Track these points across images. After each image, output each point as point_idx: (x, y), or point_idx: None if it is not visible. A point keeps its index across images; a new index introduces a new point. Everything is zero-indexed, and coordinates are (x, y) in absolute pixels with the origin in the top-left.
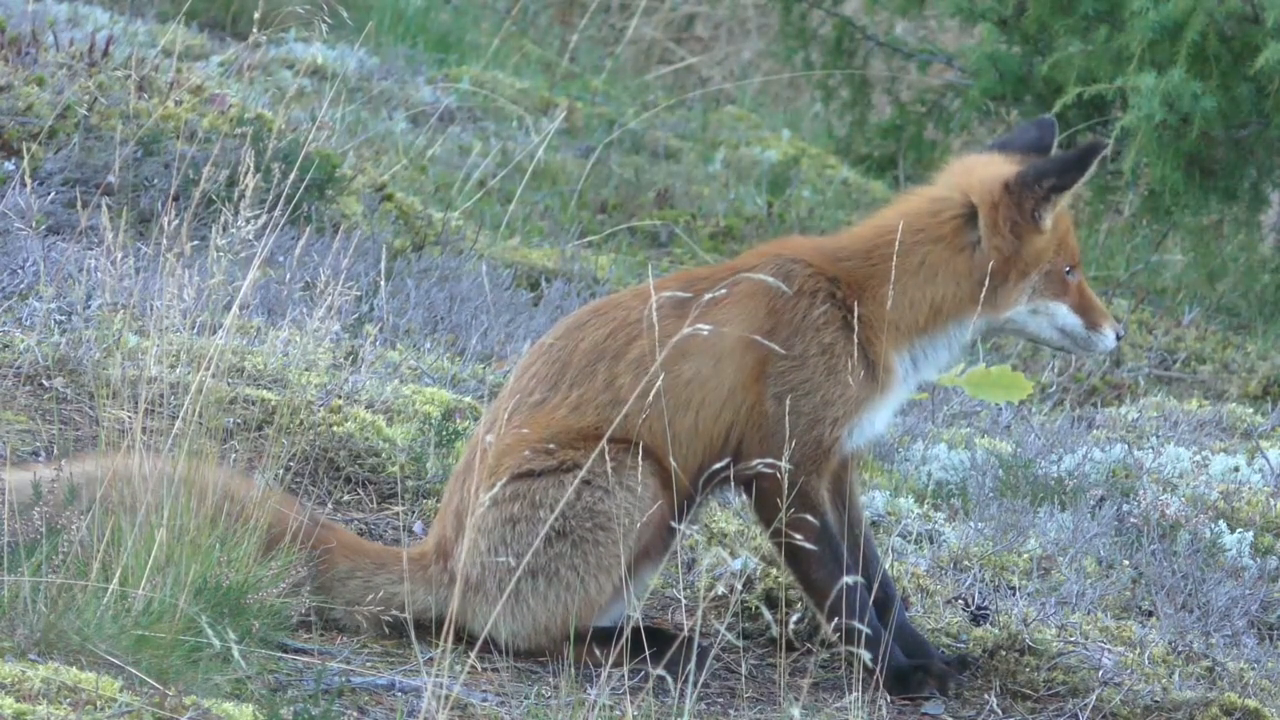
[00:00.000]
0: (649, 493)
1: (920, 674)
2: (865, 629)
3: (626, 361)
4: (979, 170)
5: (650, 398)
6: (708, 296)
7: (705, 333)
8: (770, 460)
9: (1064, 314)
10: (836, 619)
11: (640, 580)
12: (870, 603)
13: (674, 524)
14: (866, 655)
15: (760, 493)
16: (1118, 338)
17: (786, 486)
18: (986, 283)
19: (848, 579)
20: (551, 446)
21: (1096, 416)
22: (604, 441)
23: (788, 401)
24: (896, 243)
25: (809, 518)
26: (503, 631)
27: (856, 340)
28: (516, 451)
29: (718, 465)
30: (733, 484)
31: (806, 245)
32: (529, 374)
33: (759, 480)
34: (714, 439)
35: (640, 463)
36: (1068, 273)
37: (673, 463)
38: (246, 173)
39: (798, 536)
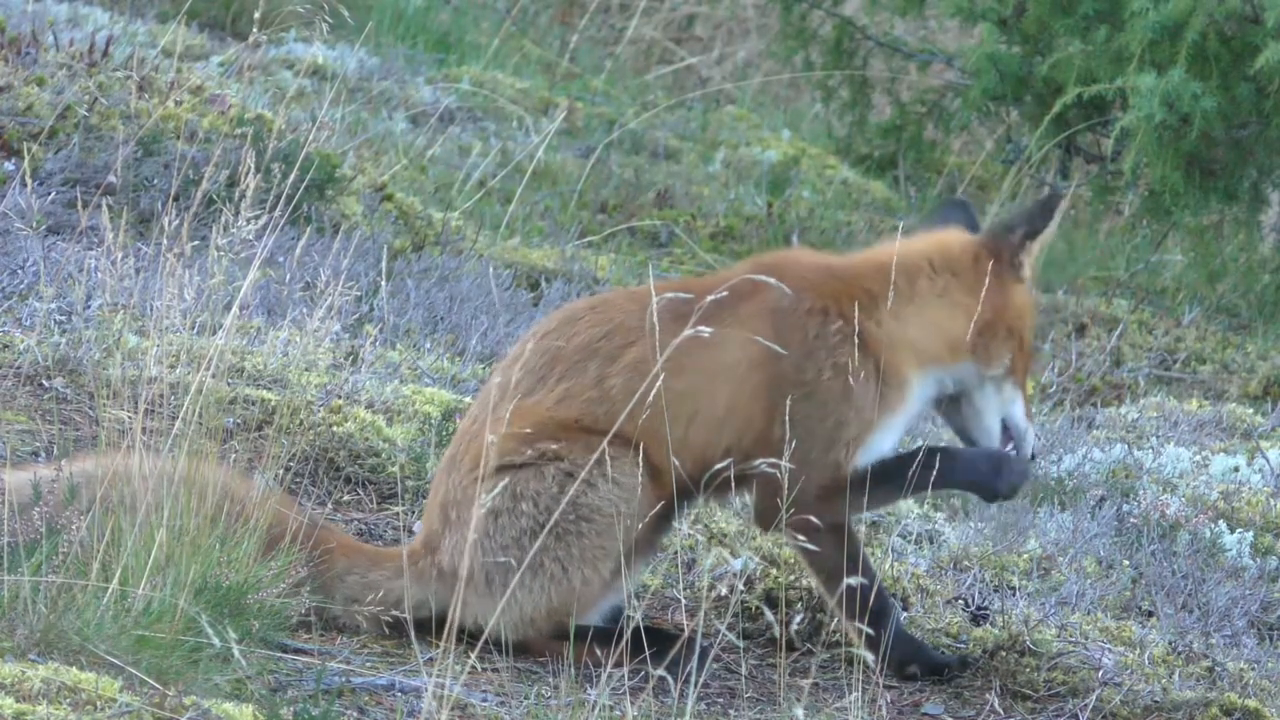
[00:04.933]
0: (635, 485)
1: (914, 670)
2: (867, 629)
3: (620, 364)
4: (957, 233)
5: (639, 400)
6: (709, 302)
7: (704, 342)
8: (772, 460)
9: (1015, 399)
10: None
11: (632, 575)
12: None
13: (671, 522)
14: (870, 656)
15: (762, 511)
16: (1033, 456)
17: (798, 501)
18: (980, 334)
19: (850, 580)
20: (532, 435)
21: (1096, 416)
22: (598, 437)
23: (800, 428)
24: (919, 266)
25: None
26: (491, 623)
27: (873, 358)
28: (500, 444)
29: (719, 465)
30: (734, 488)
31: (806, 263)
32: (518, 365)
33: (761, 493)
34: (707, 454)
35: (626, 456)
36: (1025, 365)
37: (674, 461)
38: (247, 173)
39: (801, 536)
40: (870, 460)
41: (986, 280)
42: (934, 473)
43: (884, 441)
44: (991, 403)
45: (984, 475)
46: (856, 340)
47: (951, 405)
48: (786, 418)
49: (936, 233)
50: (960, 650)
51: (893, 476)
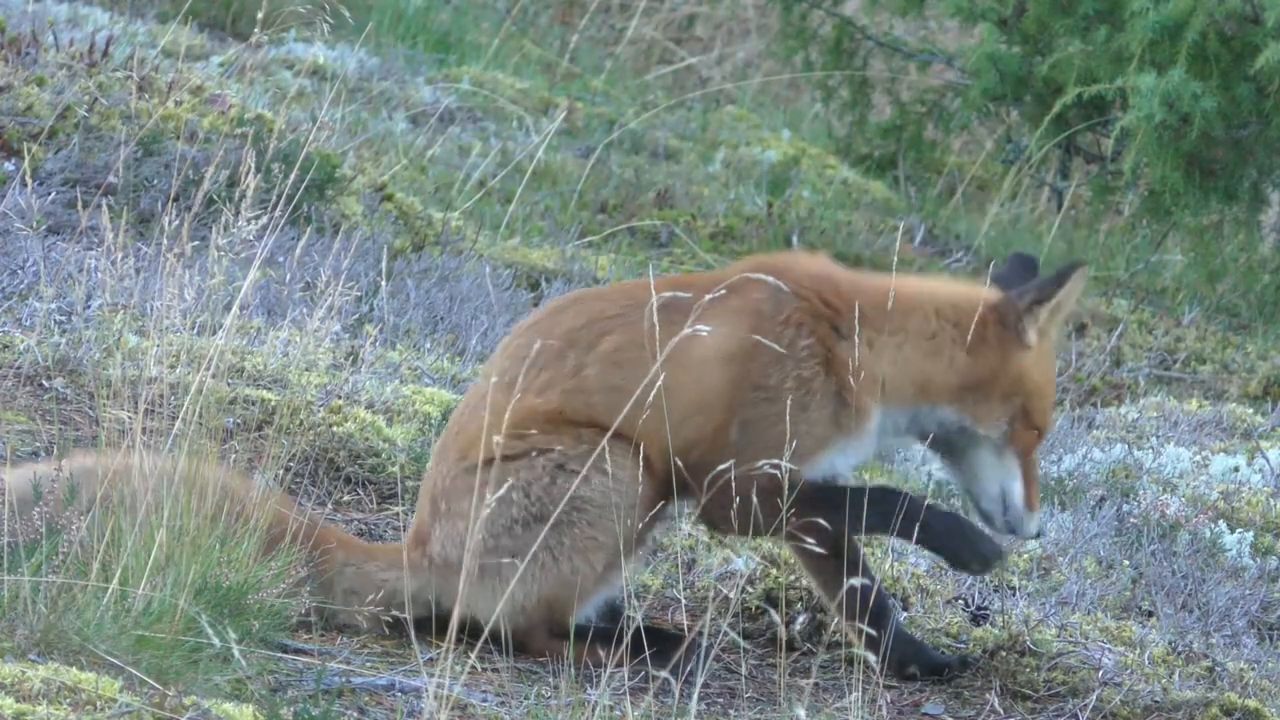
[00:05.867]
0: (625, 476)
1: (914, 670)
2: (869, 630)
3: (596, 353)
4: (980, 291)
5: (623, 393)
6: (694, 294)
7: (686, 339)
8: (775, 461)
9: (1015, 475)
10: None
11: (627, 569)
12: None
13: (662, 514)
14: (871, 657)
15: (708, 510)
16: (1038, 533)
17: (741, 497)
18: (970, 390)
19: (853, 581)
20: (519, 425)
21: (1096, 416)
22: (586, 429)
23: (756, 429)
24: (920, 305)
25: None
26: (483, 612)
27: (836, 378)
28: (489, 435)
29: (722, 466)
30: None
31: (808, 270)
32: (505, 355)
33: (719, 494)
34: (674, 447)
35: (616, 447)
36: (1036, 436)
37: (675, 461)
38: (247, 173)
39: (809, 539)
40: (823, 475)
41: (987, 338)
42: (915, 527)
43: (839, 461)
44: (990, 467)
45: (957, 547)
46: (823, 358)
47: (951, 457)
48: (743, 418)
49: (972, 285)
50: (960, 650)
51: (868, 510)
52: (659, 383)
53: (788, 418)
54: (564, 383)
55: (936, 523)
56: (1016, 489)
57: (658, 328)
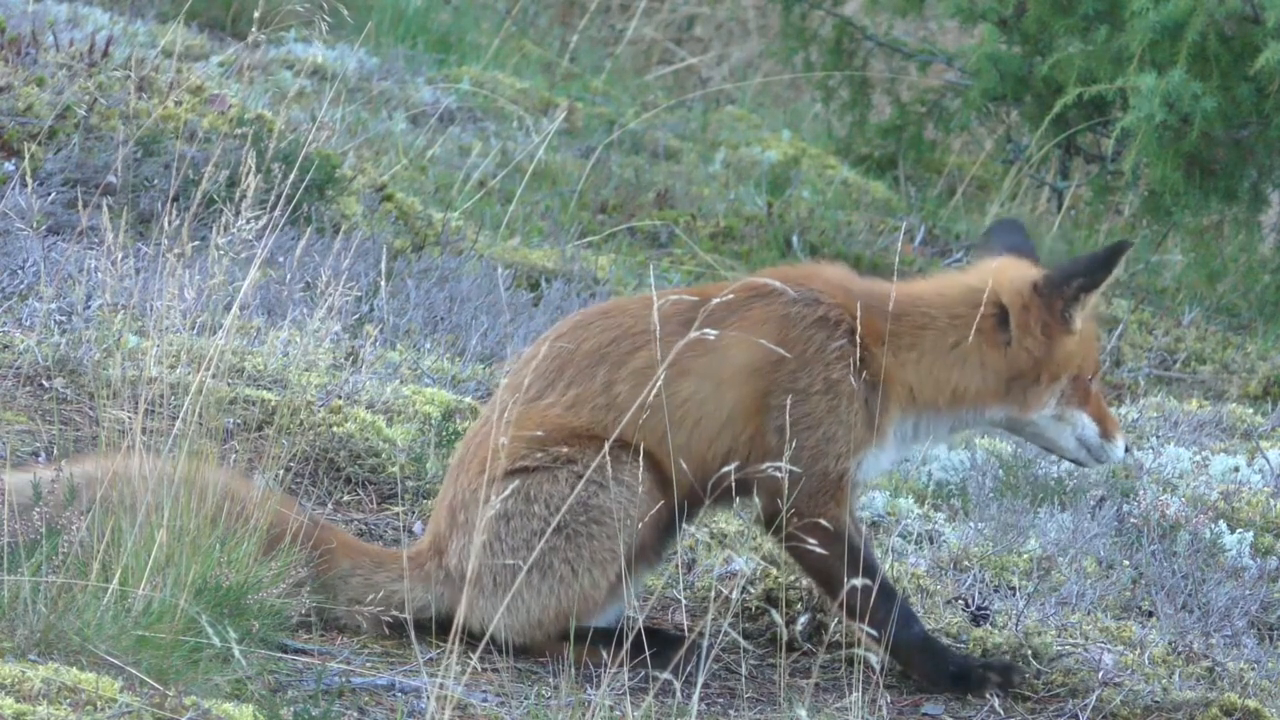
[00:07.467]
0: (644, 489)
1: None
2: (873, 631)
3: (627, 370)
4: (1010, 271)
5: (646, 406)
6: (717, 305)
7: (710, 345)
8: (776, 464)
9: (1085, 422)
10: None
11: (636, 581)
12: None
13: (674, 526)
14: (874, 658)
15: (769, 516)
16: (1125, 449)
17: (795, 505)
18: (1015, 381)
19: (857, 580)
20: (544, 438)
21: None
22: (608, 442)
23: (790, 435)
24: (934, 317)
25: (831, 537)
26: (499, 626)
27: (866, 382)
28: (511, 447)
29: (726, 469)
30: (734, 492)
31: (834, 278)
32: (528, 369)
33: (766, 499)
34: (707, 460)
35: (636, 460)
36: (1089, 381)
37: (682, 466)
38: (247, 173)
39: (811, 540)
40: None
41: (1029, 325)
42: (915, 657)
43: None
44: (1055, 430)
45: (946, 685)
46: (850, 361)
47: (1012, 432)
48: (779, 424)
49: (993, 268)
50: (961, 648)
51: (892, 621)
52: (686, 395)
53: (822, 419)
54: (593, 400)
55: (920, 656)
56: (1090, 432)
57: (680, 338)
